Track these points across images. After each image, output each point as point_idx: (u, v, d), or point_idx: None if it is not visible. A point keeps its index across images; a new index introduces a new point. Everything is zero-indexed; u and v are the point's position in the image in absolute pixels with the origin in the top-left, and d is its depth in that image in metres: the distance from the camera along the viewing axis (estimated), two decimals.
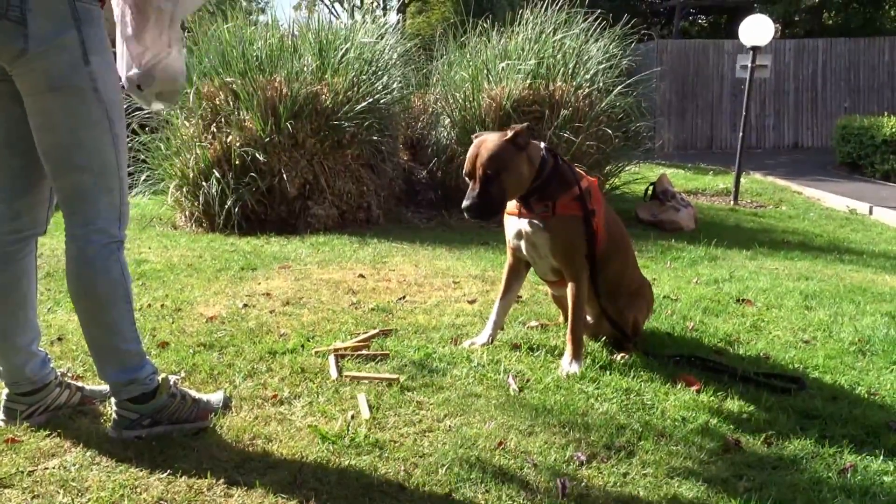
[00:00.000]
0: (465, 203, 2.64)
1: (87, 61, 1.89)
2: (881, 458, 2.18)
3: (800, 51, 16.29)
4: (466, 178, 2.68)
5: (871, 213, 9.00)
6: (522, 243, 2.82)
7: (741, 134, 9.36)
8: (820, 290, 4.23)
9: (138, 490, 1.82)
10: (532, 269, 2.99)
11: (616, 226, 2.97)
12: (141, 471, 1.90)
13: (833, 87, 16.31)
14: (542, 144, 2.78)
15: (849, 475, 2.07)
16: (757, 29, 8.86)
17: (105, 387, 2.25)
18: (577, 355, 2.73)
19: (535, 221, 2.74)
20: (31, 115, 1.94)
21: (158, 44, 2.04)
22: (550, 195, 2.71)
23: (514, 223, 2.83)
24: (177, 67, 2.07)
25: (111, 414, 2.11)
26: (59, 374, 2.25)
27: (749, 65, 8.98)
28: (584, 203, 2.72)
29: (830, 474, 2.07)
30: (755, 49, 8.92)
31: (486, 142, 2.65)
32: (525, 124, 2.70)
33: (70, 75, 1.88)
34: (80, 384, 2.31)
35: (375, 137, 6.29)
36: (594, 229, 2.76)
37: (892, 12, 20.59)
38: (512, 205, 2.81)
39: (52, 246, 4.72)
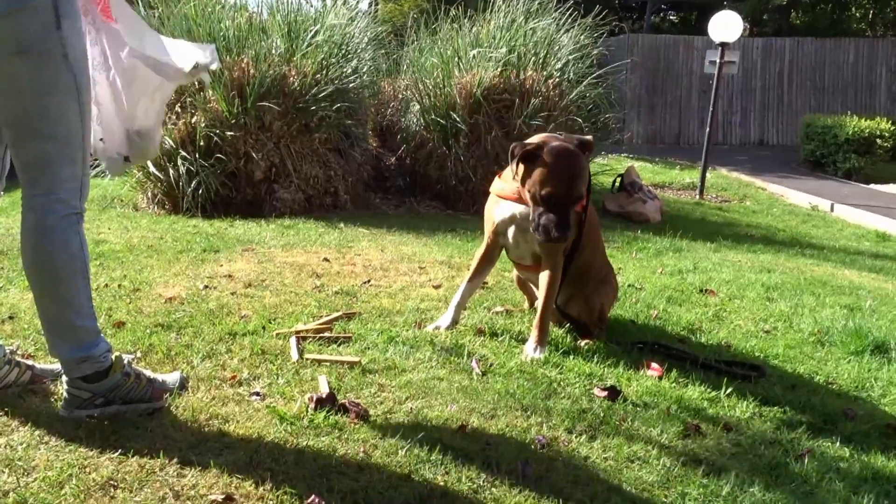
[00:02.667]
0: (556, 232, 2.52)
1: (59, 25, 1.83)
2: (838, 444, 2.21)
3: (767, 49, 16.51)
4: (554, 199, 2.55)
5: (832, 209, 9.18)
6: (512, 228, 2.80)
7: (708, 130, 9.46)
8: (781, 282, 4.29)
9: (87, 470, 1.76)
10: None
11: (591, 216, 2.97)
12: (91, 450, 1.84)
13: (799, 86, 16.57)
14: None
15: (806, 460, 2.09)
16: (726, 25, 8.95)
17: (57, 366, 2.18)
18: (542, 342, 2.72)
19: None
20: None
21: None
22: None
23: (509, 207, 2.79)
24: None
25: (62, 393, 2.04)
26: (8, 351, 2.17)
27: (717, 60, 9.07)
28: (587, 203, 2.71)
29: (788, 460, 2.09)
30: (724, 45, 9.01)
31: (579, 163, 2.57)
32: (590, 137, 2.67)
33: (41, 39, 1.81)
34: (30, 362, 2.24)
35: (344, 122, 6.22)
36: (581, 225, 2.75)
37: (857, 14, 20.95)
38: (508, 189, 2.77)
39: (7, 224, 4.59)
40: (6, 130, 1.91)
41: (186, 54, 2.21)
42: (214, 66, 2.24)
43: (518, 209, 2.77)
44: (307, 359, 2.51)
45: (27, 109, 1.86)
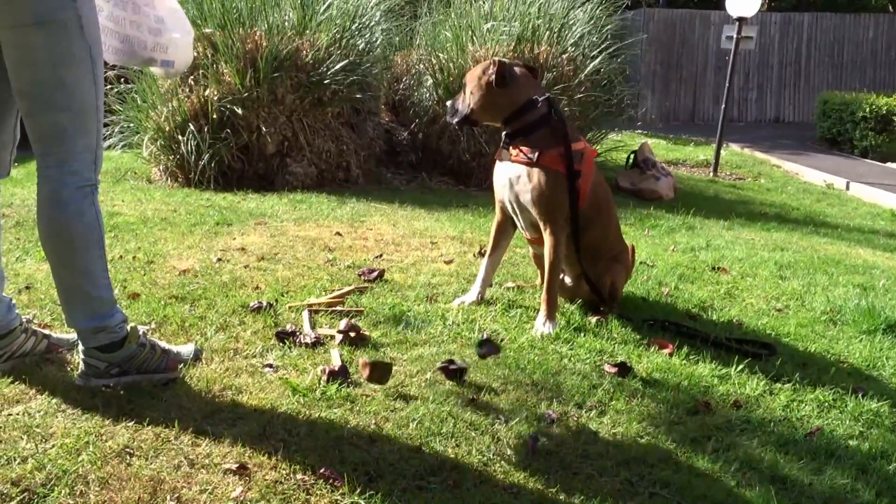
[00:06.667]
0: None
1: None
2: (847, 422, 2.22)
3: (785, 24, 16.25)
4: None
5: (847, 188, 9.09)
6: (506, 192, 2.83)
7: (723, 106, 9.36)
8: (794, 260, 4.27)
9: (104, 438, 1.79)
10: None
11: (602, 191, 2.96)
12: (107, 419, 1.88)
13: (817, 63, 16.33)
14: (547, 95, 2.81)
15: (815, 438, 2.10)
16: None
17: (72, 335, 2.21)
18: (551, 315, 2.73)
19: (520, 167, 2.76)
20: (10, 50, 1.86)
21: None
22: (537, 143, 2.73)
23: (502, 169, 2.85)
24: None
25: (78, 362, 2.07)
26: (24, 320, 2.20)
27: (734, 36, 8.94)
28: (570, 161, 2.71)
29: (797, 437, 2.10)
30: (741, 20, 8.88)
31: (475, 69, 2.89)
32: (500, 59, 2.83)
33: (57, 10, 1.82)
34: (46, 332, 2.27)
35: (357, 96, 6.19)
36: (577, 190, 2.74)
37: None
38: (502, 152, 2.86)
39: (23, 196, 4.62)
40: (21, 101, 1.92)
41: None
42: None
43: (510, 171, 2.79)
44: (309, 304, 2.54)
45: (43, 80, 1.87)
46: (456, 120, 2.92)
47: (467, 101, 2.87)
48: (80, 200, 1.93)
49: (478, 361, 2.37)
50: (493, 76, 2.77)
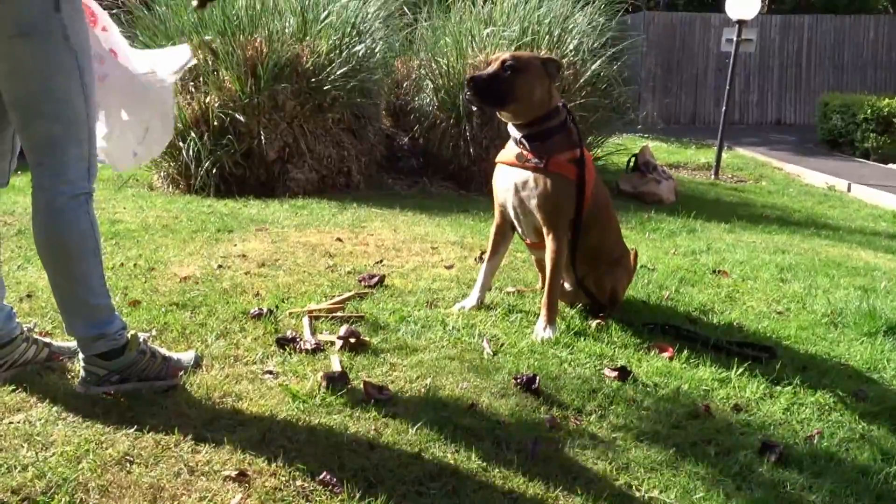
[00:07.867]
0: (469, 74, 2.70)
1: (58, 8, 1.85)
2: (848, 426, 2.22)
3: (786, 27, 16.27)
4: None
5: (849, 190, 9.09)
6: (510, 196, 2.81)
7: (724, 109, 9.36)
8: (795, 263, 4.27)
9: (104, 445, 1.80)
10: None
11: (601, 195, 2.96)
12: (107, 426, 1.88)
13: (817, 65, 16.33)
14: (563, 102, 2.82)
15: (815, 441, 2.10)
16: (743, 2, 8.83)
17: (73, 343, 2.21)
18: (552, 320, 2.73)
19: (526, 172, 2.74)
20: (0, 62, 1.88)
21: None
22: (549, 149, 2.72)
23: (507, 173, 2.83)
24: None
25: (79, 370, 2.08)
26: (25, 329, 2.20)
27: (734, 38, 8.96)
28: (581, 168, 2.71)
29: (798, 440, 2.10)
30: (741, 22, 8.89)
31: (518, 51, 2.78)
32: (560, 60, 2.78)
33: (41, 21, 1.83)
34: (47, 340, 2.28)
35: (357, 101, 6.20)
36: (584, 197, 2.75)
37: None
38: (507, 155, 2.83)
39: (25, 204, 4.63)
40: (13, 113, 1.93)
41: (167, 61, 2.27)
42: (192, 63, 2.36)
43: (517, 175, 2.78)
44: (309, 310, 2.57)
45: (32, 91, 1.88)
46: (488, 95, 2.69)
47: (508, 80, 2.65)
48: (74, 209, 1.94)
49: (475, 362, 2.38)
50: (550, 63, 2.73)
